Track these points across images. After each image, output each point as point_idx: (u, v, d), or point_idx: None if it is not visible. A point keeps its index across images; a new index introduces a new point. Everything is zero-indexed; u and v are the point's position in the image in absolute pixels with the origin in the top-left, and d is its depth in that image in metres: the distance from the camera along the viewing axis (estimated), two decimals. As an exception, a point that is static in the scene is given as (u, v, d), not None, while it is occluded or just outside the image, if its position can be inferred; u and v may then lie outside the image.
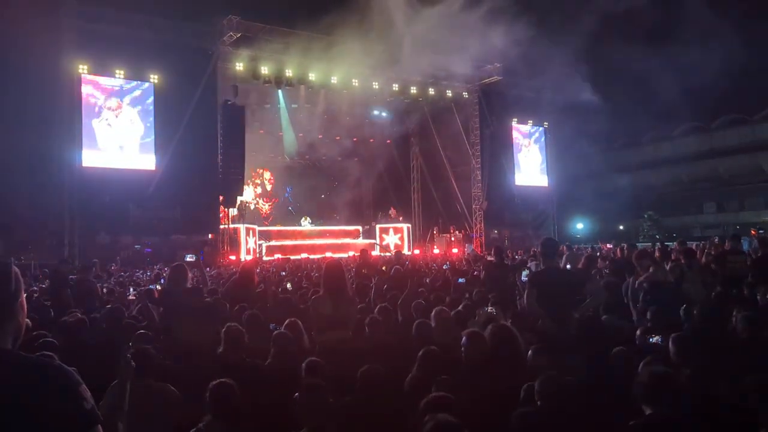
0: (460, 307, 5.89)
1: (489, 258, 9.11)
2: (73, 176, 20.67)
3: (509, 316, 5.35)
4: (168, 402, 3.89)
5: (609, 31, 23.05)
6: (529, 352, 3.91)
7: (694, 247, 10.98)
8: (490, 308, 5.28)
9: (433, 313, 5.30)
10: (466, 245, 25.86)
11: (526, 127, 31.22)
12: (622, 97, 28.85)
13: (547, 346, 3.89)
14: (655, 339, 4.11)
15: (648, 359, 3.92)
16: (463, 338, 4.38)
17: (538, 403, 3.26)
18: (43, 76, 19.15)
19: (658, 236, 32.42)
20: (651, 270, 5.77)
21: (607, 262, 10.12)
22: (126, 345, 4.78)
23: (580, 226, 37.20)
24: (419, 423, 2.97)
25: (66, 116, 20.71)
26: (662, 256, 6.20)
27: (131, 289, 11.40)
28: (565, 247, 13.74)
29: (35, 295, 10.69)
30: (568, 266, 10.30)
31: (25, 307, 1.77)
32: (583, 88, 25.63)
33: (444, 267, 10.85)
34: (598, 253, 12.69)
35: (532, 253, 13.24)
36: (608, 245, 16.52)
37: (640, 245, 12.28)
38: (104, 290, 11.09)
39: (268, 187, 31.01)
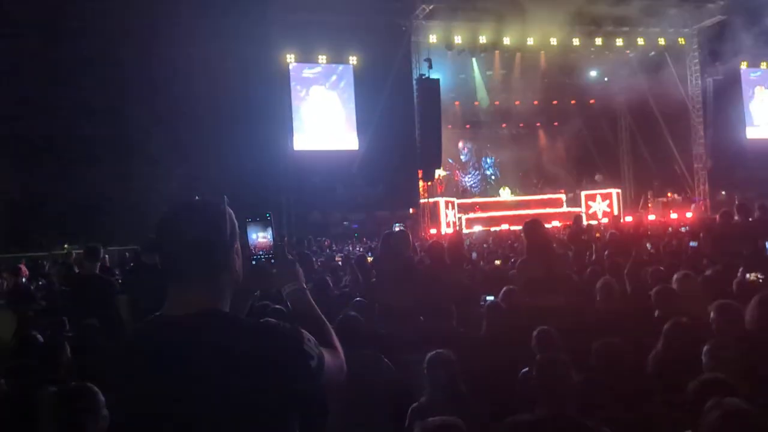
0: (708, 272, 4.99)
1: (735, 218, 7.78)
2: (287, 159, 22.43)
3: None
4: (380, 372, 3.75)
5: None
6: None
7: None
8: (752, 275, 4.34)
9: (674, 278, 4.51)
10: (693, 204, 23.07)
11: (759, 71, 26.90)
12: None
13: None
14: None
15: None
16: (712, 312, 3.64)
17: None
18: (257, 68, 20.88)
19: None
20: None
21: None
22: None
23: (830, 182, 31.31)
24: (690, 408, 2.42)
25: (278, 104, 22.45)
26: None
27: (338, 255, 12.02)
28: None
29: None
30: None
31: (241, 256, 1.65)
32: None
33: (682, 228, 9.59)
34: None
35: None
36: None
37: None
38: (319, 262, 11.80)
39: (468, 159, 30.70)
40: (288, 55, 22.52)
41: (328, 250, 17.04)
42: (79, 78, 18.48)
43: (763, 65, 26.69)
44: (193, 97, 18.59)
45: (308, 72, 23.17)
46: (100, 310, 4.76)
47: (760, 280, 4.30)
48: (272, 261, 1.82)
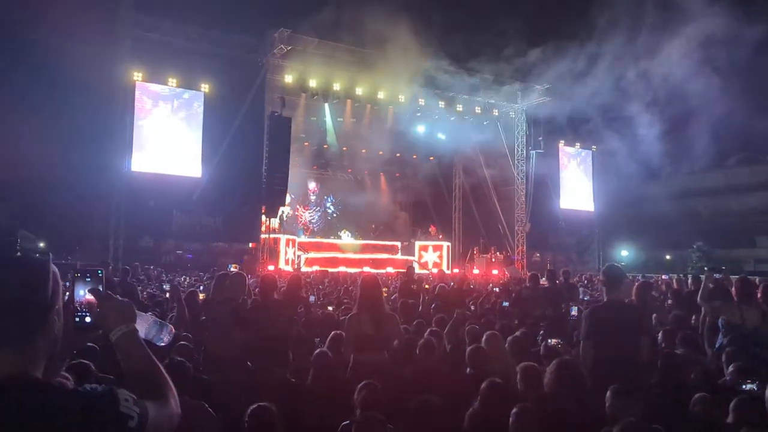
0: (517, 333, 5.53)
1: (542, 282, 8.72)
2: (121, 180, 21.00)
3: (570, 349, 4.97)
4: (203, 422, 3.66)
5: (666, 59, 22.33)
6: (608, 393, 3.53)
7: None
8: (553, 341, 4.90)
9: (484, 338, 4.95)
10: (510, 267, 25.26)
11: (573, 150, 30.59)
12: (674, 124, 27.91)
13: (628, 388, 3.51)
14: (750, 386, 3.68)
15: (738, 402, 3.51)
16: (518, 373, 4.06)
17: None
18: (98, 82, 19.53)
19: (706, 268, 31.14)
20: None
21: (667, 295, 9.58)
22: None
23: (624, 253, 36.08)
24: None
25: (118, 122, 21.09)
26: (741, 295, 5.51)
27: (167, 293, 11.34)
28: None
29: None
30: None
31: (62, 315, 1.55)
32: (633, 112, 24.97)
33: (494, 289, 10.48)
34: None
35: (581, 279, 12.71)
36: (664, 276, 15.80)
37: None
38: (145, 294, 11.07)
39: (312, 198, 31.06)
40: (135, 73, 21.35)
41: (156, 282, 16.11)
42: None
43: (577, 146, 30.42)
44: (23, 103, 16.88)
45: (155, 92, 22.09)
46: None
47: (560, 346, 4.87)
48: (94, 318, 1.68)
